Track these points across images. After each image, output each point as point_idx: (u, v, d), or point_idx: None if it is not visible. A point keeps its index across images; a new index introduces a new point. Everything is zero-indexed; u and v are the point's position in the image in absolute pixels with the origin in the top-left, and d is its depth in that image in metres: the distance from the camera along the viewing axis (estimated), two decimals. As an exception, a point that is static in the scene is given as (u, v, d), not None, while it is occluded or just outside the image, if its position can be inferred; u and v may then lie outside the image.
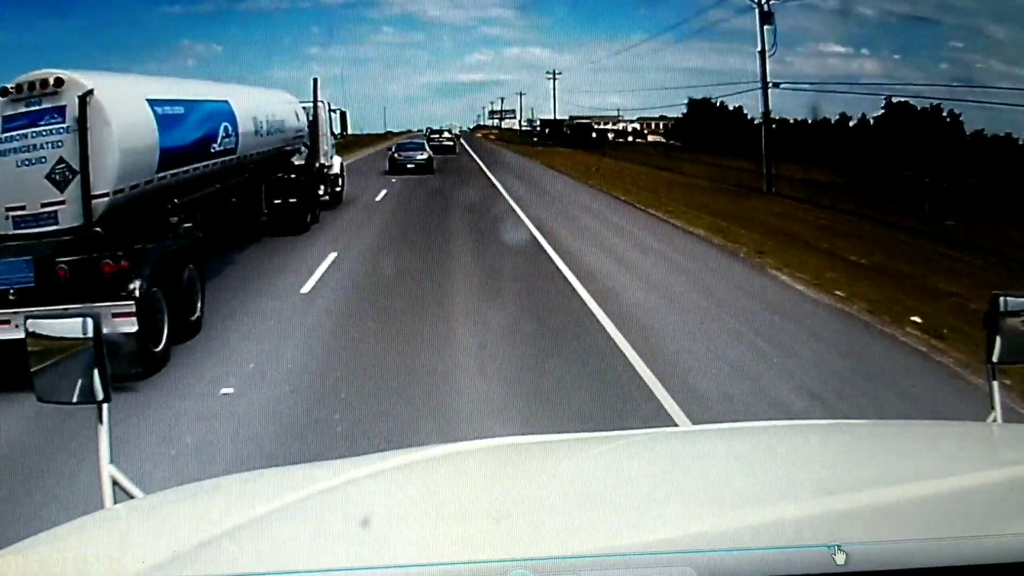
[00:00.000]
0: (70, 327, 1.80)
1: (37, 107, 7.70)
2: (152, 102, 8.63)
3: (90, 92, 7.56)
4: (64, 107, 7.62)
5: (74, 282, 7.04)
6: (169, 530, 1.37)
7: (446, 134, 36.04)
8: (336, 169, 18.98)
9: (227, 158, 10.88)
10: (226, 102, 11.24)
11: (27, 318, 1.82)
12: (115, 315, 6.78)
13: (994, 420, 1.84)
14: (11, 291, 7.14)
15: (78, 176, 7.50)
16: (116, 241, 7.39)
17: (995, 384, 1.89)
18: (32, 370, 1.80)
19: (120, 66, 20.60)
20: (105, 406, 1.77)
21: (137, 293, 6.97)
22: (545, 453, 1.74)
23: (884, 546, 1.13)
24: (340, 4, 28.08)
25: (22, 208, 7.66)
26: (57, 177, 7.59)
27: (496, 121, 28.81)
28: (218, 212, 10.77)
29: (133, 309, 6.85)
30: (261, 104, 13.11)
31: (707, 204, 20.19)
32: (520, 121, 26.90)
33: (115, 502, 1.65)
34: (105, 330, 6.18)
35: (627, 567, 1.09)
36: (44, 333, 1.84)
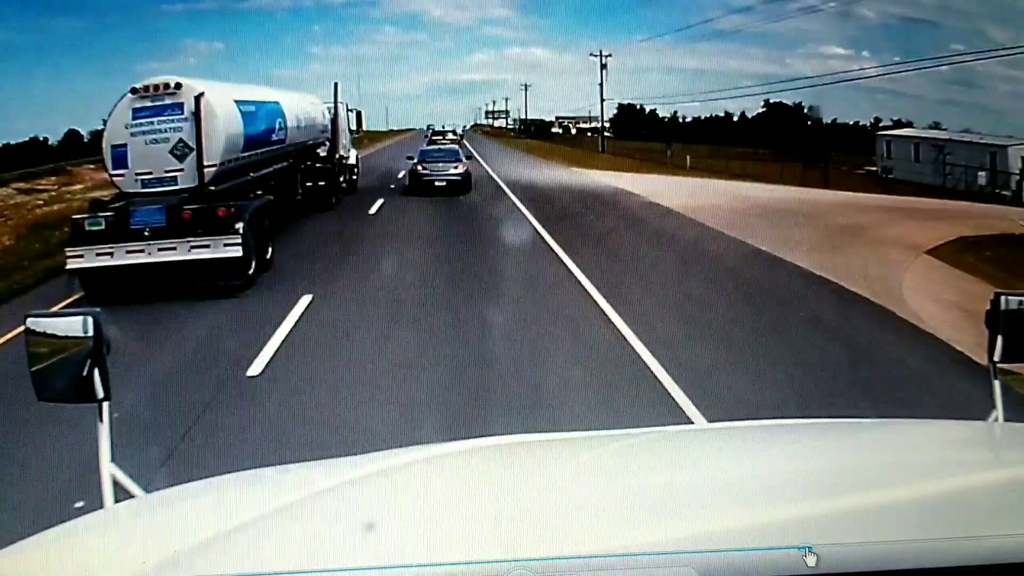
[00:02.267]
0: (70, 325, 1.76)
1: (160, 103, 10.91)
2: (237, 102, 11.84)
3: (202, 94, 10.77)
4: (182, 103, 10.83)
5: (195, 223, 10.23)
6: (169, 530, 1.38)
7: (450, 135, 27.11)
8: (352, 160, 22.01)
9: (280, 146, 14.06)
10: (278, 103, 14.40)
11: (27, 316, 1.78)
12: (226, 245, 9.99)
13: (996, 419, 1.83)
14: (146, 230, 10.31)
15: (194, 152, 10.71)
16: (221, 198, 10.59)
17: (997, 383, 1.88)
18: (31, 369, 1.77)
19: (122, 65, 23.57)
20: (105, 405, 1.76)
21: (241, 230, 10.17)
22: (545, 453, 1.74)
23: (884, 546, 1.14)
24: (342, 3, 27.97)
25: (149, 173, 10.87)
26: (177, 152, 10.80)
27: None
28: (275, 189, 13.95)
29: (239, 240, 10.06)
30: (299, 104, 16.23)
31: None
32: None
33: (115, 501, 1.66)
34: (216, 256, 10.50)
35: (628, 568, 1.10)
36: (44, 331, 1.79)
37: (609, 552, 1.13)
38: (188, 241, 10.07)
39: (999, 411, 1.82)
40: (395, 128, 29.84)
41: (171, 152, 10.78)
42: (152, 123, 10.89)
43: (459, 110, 38.05)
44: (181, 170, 10.76)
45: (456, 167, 20.22)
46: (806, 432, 1.93)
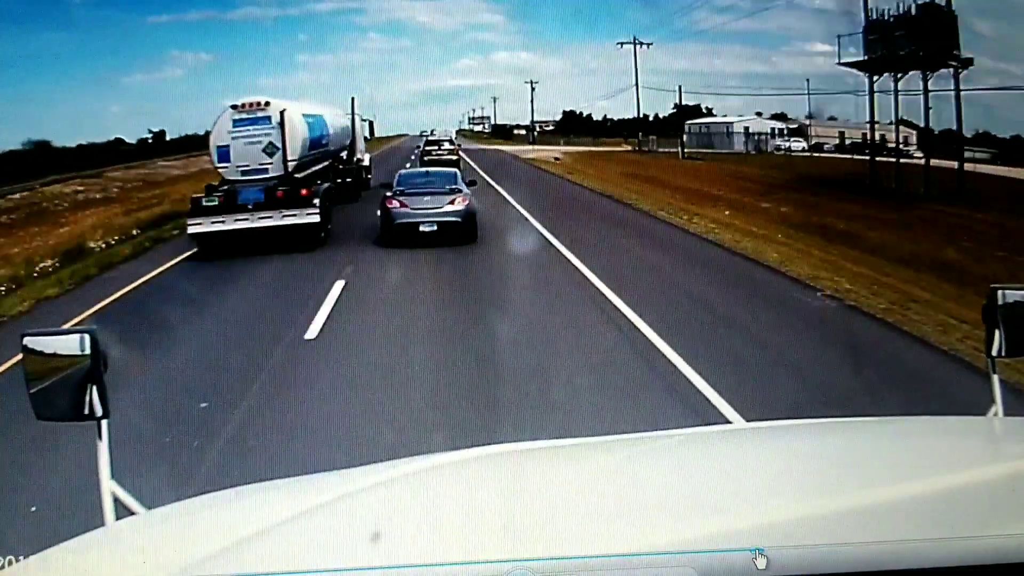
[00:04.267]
0: (68, 344, 1.78)
1: (254, 116, 15.42)
2: (304, 115, 16.34)
3: (285, 110, 15.28)
4: (270, 116, 15.34)
5: (284, 200, 14.71)
6: (171, 546, 1.40)
7: (446, 144, 27.23)
8: (366, 162, 26.45)
9: (325, 148, 18.53)
10: (322, 116, 18.89)
11: (23, 335, 1.81)
12: (308, 214, 14.49)
13: (995, 414, 1.85)
14: (249, 205, 14.77)
15: (279, 150, 15.21)
16: (300, 182, 15.10)
17: (996, 377, 1.90)
18: (30, 390, 1.79)
19: (109, 75, 25.27)
20: (104, 422, 1.77)
21: (318, 204, 14.68)
22: (548, 459, 1.77)
23: (885, 546, 1.14)
24: (328, 12, 28.30)
25: (247, 165, 15.35)
26: (268, 151, 15.29)
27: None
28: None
29: (318, 211, 14.57)
30: (334, 115, 20.68)
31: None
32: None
33: (116, 518, 1.68)
34: (300, 221, 16.93)
35: (628, 568, 1.11)
36: (41, 350, 1.80)
37: (609, 552, 1.14)
38: (281, 212, 14.56)
39: (999, 406, 1.85)
40: (382, 135, 29.74)
41: (263, 151, 15.28)
42: (248, 130, 15.39)
43: (446, 116, 38.90)
44: (271, 163, 15.26)
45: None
46: (806, 432, 1.94)
